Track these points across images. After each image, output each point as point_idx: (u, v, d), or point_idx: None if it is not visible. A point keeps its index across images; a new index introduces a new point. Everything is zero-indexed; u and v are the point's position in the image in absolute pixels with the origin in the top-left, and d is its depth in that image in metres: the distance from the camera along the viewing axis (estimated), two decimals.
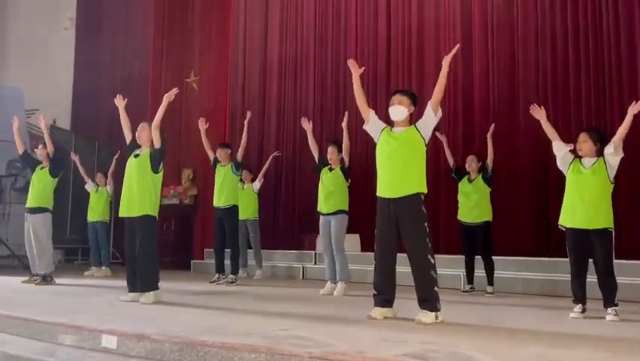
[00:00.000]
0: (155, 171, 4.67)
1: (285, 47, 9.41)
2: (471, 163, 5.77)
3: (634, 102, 4.02)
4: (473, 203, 5.65)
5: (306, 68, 9.10)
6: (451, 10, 7.59)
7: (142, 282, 4.53)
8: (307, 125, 5.79)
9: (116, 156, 8.21)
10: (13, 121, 6.27)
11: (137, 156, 4.72)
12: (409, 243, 3.65)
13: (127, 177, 4.70)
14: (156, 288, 4.55)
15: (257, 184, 7.73)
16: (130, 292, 4.61)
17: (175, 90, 4.75)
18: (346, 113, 5.65)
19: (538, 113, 4.35)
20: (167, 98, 4.69)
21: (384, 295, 3.71)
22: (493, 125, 5.86)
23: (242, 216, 7.10)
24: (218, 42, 10.26)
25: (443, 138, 5.99)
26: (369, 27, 8.40)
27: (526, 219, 6.58)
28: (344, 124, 5.59)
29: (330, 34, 8.87)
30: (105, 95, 9.37)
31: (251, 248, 7.65)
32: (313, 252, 7.78)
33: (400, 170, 3.71)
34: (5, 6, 11.96)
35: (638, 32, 6.02)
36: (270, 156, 8.00)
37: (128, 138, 4.86)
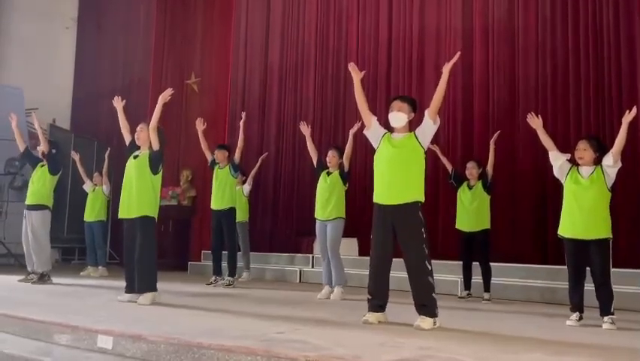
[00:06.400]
0: (155, 172, 4.68)
1: (285, 50, 9.41)
2: (472, 170, 5.71)
3: (627, 111, 4.02)
4: (473, 211, 5.59)
5: (307, 72, 9.10)
6: (452, 17, 7.59)
7: (140, 283, 4.53)
8: (306, 130, 5.79)
9: (107, 153, 8.20)
10: (11, 119, 6.27)
11: (136, 157, 4.73)
12: (406, 249, 3.65)
13: (126, 178, 4.71)
14: (154, 289, 4.55)
15: (247, 187, 7.71)
16: (127, 292, 4.61)
17: (170, 90, 4.73)
18: (359, 122, 5.62)
19: (535, 122, 4.36)
20: (162, 99, 4.69)
21: (378, 301, 3.72)
22: (498, 132, 5.85)
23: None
24: (220, 44, 10.26)
25: (436, 148, 5.95)
26: (370, 32, 8.41)
27: (526, 227, 6.56)
28: (352, 131, 5.53)
29: (331, 39, 8.87)
30: (105, 96, 9.34)
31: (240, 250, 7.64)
32: (310, 255, 7.77)
33: (398, 177, 3.71)
34: (6, 5, 11.96)
35: (638, 42, 6.03)
36: (260, 158, 8.01)
37: (127, 140, 4.87)
